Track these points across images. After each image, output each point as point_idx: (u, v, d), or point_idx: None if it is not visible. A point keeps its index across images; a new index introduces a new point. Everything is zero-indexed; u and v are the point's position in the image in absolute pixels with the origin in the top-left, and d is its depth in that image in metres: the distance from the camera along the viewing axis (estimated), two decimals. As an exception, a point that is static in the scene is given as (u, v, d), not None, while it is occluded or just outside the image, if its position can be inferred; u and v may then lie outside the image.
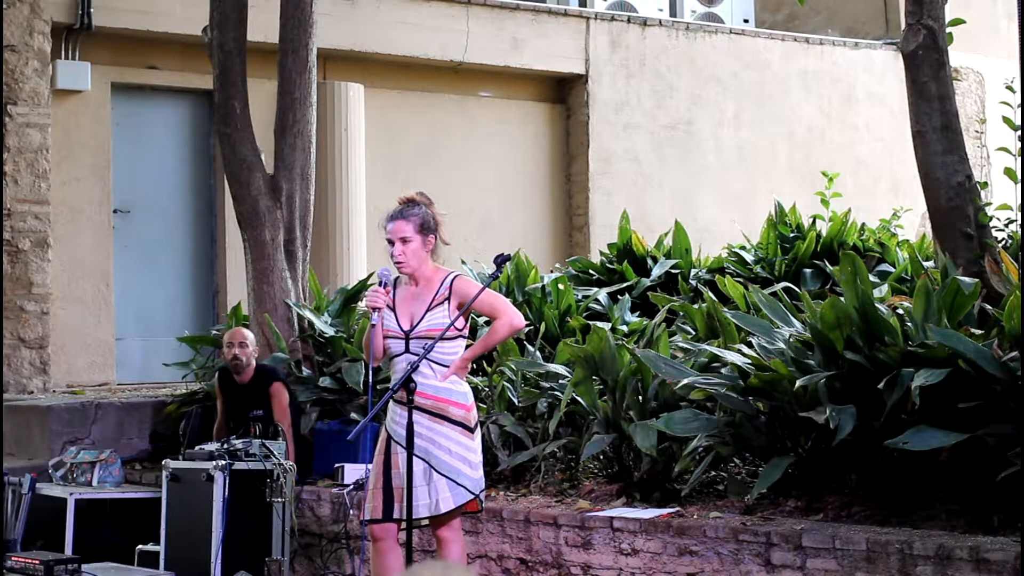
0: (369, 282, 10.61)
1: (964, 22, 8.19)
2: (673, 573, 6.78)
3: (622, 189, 14.06)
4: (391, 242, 6.41)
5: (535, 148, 14.03)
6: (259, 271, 9.90)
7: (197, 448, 8.54)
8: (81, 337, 11.77)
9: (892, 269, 10.11)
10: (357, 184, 12.71)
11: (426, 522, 6.48)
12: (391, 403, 6.35)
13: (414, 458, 6.20)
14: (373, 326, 6.33)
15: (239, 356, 9.11)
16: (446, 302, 6.35)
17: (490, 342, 6.61)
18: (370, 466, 8.67)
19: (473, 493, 6.37)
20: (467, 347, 6.54)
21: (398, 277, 6.50)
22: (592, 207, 13.87)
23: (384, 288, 6.37)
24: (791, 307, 7.84)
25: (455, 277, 6.43)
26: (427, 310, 6.35)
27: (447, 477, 6.30)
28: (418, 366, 6.20)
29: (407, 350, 6.32)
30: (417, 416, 6.23)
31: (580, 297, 10.33)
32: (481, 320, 10.03)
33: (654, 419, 7.44)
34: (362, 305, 10.59)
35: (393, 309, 6.41)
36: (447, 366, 6.34)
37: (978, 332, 6.76)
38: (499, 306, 6.50)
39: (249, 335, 9.26)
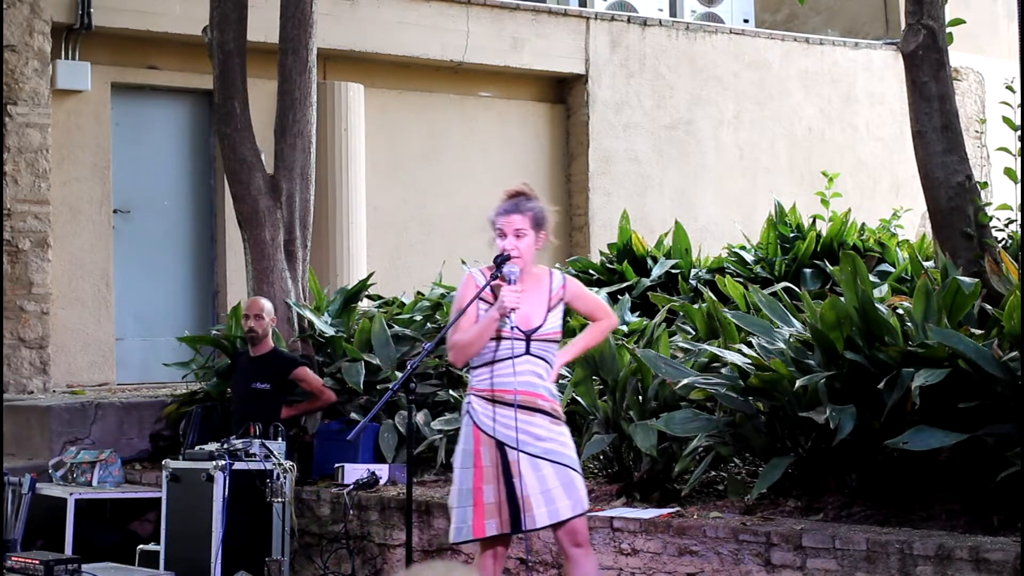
0: (370, 282, 10.61)
1: (964, 22, 8.19)
2: (673, 573, 6.78)
3: (622, 189, 14.06)
4: (503, 235, 6.06)
5: (535, 148, 14.03)
6: (259, 271, 9.91)
7: (197, 448, 8.54)
8: (81, 337, 11.77)
9: (892, 269, 10.11)
10: (357, 184, 12.71)
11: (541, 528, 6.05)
12: (487, 403, 5.91)
13: (546, 461, 5.85)
14: (512, 329, 5.87)
15: (255, 328, 9.30)
16: (561, 302, 6.07)
17: (591, 343, 6.39)
18: (370, 466, 8.75)
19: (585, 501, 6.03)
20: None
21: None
22: (592, 207, 13.88)
23: (519, 287, 5.91)
24: (791, 307, 7.84)
25: (566, 276, 6.18)
26: (548, 311, 6.01)
27: (578, 473, 5.96)
28: (418, 365, 6.12)
29: (527, 352, 5.92)
30: (539, 419, 5.90)
31: (580, 297, 10.30)
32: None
33: (654, 419, 7.44)
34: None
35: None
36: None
37: (978, 332, 6.76)
38: (603, 307, 6.35)
39: (266, 305, 9.37)
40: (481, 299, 5.98)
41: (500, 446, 5.85)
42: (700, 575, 6.70)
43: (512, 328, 5.86)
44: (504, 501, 5.82)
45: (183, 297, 12.46)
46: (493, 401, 5.87)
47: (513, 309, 5.83)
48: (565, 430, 6.00)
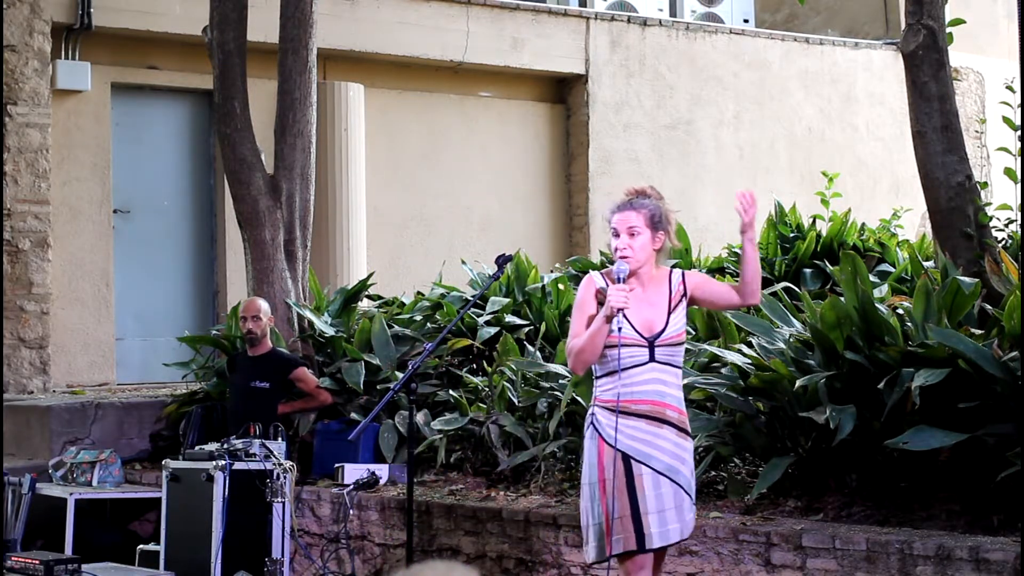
0: (370, 282, 10.61)
1: (964, 22, 8.19)
2: (673, 573, 6.78)
3: (622, 189, 13.96)
4: (616, 234, 5.79)
5: (535, 148, 14.03)
6: (259, 271, 9.91)
7: (197, 448, 8.54)
8: (81, 337, 11.77)
9: (892, 269, 10.11)
10: (357, 184, 12.71)
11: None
12: (612, 414, 5.55)
13: (667, 480, 5.53)
14: (619, 331, 5.48)
15: (253, 330, 9.31)
16: (683, 299, 5.68)
17: (756, 261, 5.72)
18: (370, 466, 8.75)
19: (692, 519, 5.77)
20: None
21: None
22: (592, 207, 13.87)
23: (628, 286, 5.57)
24: (791, 307, 7.84)
25: (684, 271, 5.80)
26: (669, 313, 5.64)
27: (689, 496, 5.65)
28: (419, 366, 6.11)
29: (652, 359, 5.57)
30: (666, 431, 5.55)
31: (580, 297, 10.30)
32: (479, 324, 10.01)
33: (654, 419, 7.43)
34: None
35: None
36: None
37: (978, 332, 6.77)
38: (729, 289, 5.89)
39: (263, 305, 9.37)
40: (600, 303, 5.63)
41: (625, 458, 5.53)
42: (700, 575, 6.70)
43: (619, 330, 5.50)
44: (629, 516, 5.51)
45: (183, 297, 12.46)
46: (618, 412, 5.51)
47: (621, 309, 5.47)
48: (690, 445, 5.67)
